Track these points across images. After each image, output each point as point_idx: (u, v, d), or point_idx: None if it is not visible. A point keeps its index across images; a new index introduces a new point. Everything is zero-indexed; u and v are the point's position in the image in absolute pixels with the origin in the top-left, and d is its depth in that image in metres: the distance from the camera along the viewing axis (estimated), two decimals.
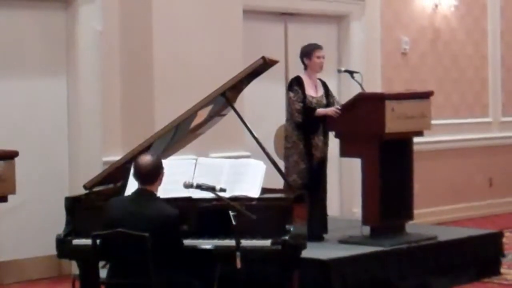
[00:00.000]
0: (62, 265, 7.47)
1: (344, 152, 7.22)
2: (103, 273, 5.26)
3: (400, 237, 7.11)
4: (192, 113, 5.89)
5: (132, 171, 5.25)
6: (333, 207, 7.57)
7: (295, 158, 7.17)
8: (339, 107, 7.13)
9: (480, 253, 7.45)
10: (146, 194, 5.13)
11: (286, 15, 9.19)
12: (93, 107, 7.62)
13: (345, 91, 8.78)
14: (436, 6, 10.37)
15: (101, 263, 5.32)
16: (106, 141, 7.62)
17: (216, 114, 6.22)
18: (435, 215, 10.07)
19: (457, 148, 10.60)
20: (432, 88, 8.43)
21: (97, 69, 7.63)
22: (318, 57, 7.27)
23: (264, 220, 5.32)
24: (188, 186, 5.27)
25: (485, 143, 10.96)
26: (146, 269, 4.89)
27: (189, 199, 5.51)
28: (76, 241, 5.57)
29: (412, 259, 6.92)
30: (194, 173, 5.61)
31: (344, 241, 7.05)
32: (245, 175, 5.61)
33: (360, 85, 7.33)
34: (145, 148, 5.78)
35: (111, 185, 5.94)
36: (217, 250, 5.37)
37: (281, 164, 6.77)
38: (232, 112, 6.01)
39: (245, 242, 5.14)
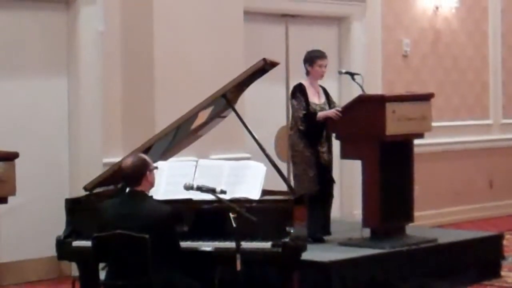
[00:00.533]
0: (62, 266, 7.46)
1: (345, 154, 7.21)
2: (103, 275, 5.26)
3: (400, 239, 7.10)
4: (192, 115, 5.89)
5: None
6: (333, 209, 7.56)
7: (304, 166, 7.17)
8: (340, 109, 7.13)
9: (481, 255, 7.45)
10: (136, 195, 5.15)
11: (287, 17, 9.18)
12: (94, 108, 7.62)
13: (345, 93, 8.77)
14: (437, 8, 10.36)
15: (101, 265, 5.32)
16: (106, 142, 7.61)
17: (217, 115, 6.22)
18: (435, 217, 10.06)
19: (457, 150, 10.59)
20: (433, 90, 8.44)
21: (98, 69, 7.63)
22: (320, 66, 7.28)
23: (264, 222, 5.31)
24: (188, 187, 5.27)
25: (485, 145, 10.95)
26: (146, 270, 4.89)
27: (189, 201, 5.51)
28: (76, 243, 5.57)
29: (412, 261, 6.92)
30: (194, 175, 5.61)
31: (344, 243, 7.05)
32: (246, 177, 5.61)
33: (361, 87, 7.33)
34: (146, 150, 5.78)
35: (111, 187, 5.94)
36: (217, 252, 5.38)
37: (282, 166, 6.76)
38: (232, 113, 6.01)
39: (245, 244, 5.13)
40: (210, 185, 5.27)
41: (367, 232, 7.10)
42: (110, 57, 7.67)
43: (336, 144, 7.33)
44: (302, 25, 9.27)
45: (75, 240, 5.59)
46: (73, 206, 5.75)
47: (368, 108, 7.00)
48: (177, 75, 7.70)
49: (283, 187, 5.99)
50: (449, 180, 10.45)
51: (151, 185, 5.27)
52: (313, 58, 7.30)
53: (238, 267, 4.95)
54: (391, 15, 9.96)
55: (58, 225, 5.82)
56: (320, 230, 7.15)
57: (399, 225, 7.24)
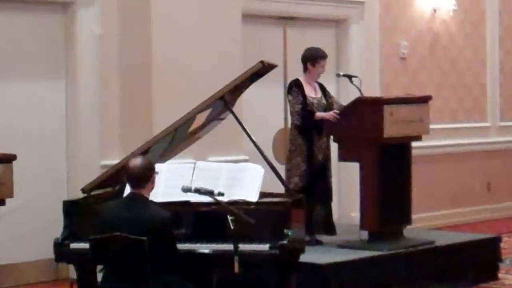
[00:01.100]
0: (60, 269, 7.45)
1: (343, 156, 7.22)
2: (100, 277, 5.25)
3: (398, 241, 7.11)
4: (190, 117, 5.88)
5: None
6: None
7: (298, 160, 7.19)
8: (338, 112, 7.14)
9: (478, 258, 7.45)
10: (138, 199, 5.11)
11: (285, 19, 9.19)
12: (92, 110, 7.61)
13: (343, 96, 8.76)
14: (435, 10, 10.37)
15: (98, 267, 5.31)
16: (104, 145, 7.61)
17: (215, 118, 6.22)
18: (433, 220, 10.07)
19: (455, 153, 10.60)
20: (431, 92, 8.44)
21: (96, 72, 7.62)
22: (322, 66, 7.32)
23: (262, 225, 5.31)
24: (186, 190, 5.27)
25: (483, 148, 10.96)
26: (143, 273, 4.89)
27: (187, 203, 5.51)
28: (73, 245, 5.57)
29: (410, 263, 6.92)
30: (192, 177, 5.61)
31: (342, 246, 7.05)
32: (244, 179, 5.61)
33: (359, 89, 7.34)
34: (144, 152, 5.77)
35: (109, 189, 5.93)
36: (215, 254, 5.37)
37: (280, 168, 6.77)
38: (230, 116, 6.01)
39: (243, 247, 5.12)
40: (208, 187, 5.26)
41: (365, 234, 7.11)
42: (108, 59, 7.67)
43: (334, 146, 7.33)
44: (300, 28, 9.27)
45: (73, 242, 5.58)
46: (71, 208, 5.74)
47: (366, 111, 7.01)
48: (175, 77, 7.70)
49: (281, 189, 5.98)
50: (447, 182, 10.46)
51: (152, 189, 5.26)
52: (316, 58, 7.31)
53: (236, 269, 4.94)
54: (389, 17, 9.96)
55: (56, 227, 5.81)
56: (321, 228, 7.15)
57: (397, 227, 7.24)
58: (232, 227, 4.98)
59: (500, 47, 11.17)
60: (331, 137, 7.31)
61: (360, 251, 6.83)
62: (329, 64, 7.82)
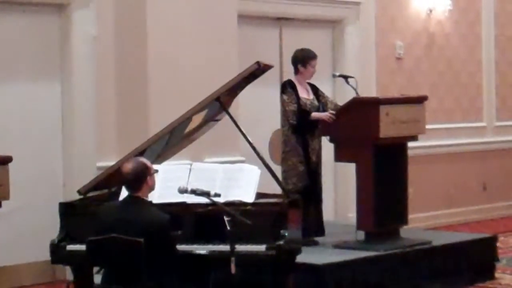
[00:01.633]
0: (56, 270, 7.45)
1: (339, 156, 7.22)
2: (97, 279, 5.25)
3: (394, 242, 7.11)
4: (186, 118, 5.88)
5: None
6: (328, 212, 7.58)
7: (294, 161, 7.18)
8: (334, 112, 7.15)
9: (475, 257, 7.46)
10: (135, 201, 5.10)
11: (281, 20, 9.19)
12: (87, 112, 7.61)
13: (339, 96, 8.76)
14: (431, 11, 10.38)
15: (95, 269, 5.31)
16: (100, 146, 7.60)
17: (211, 119, 6.22)
18: (429, 220, 10.07)
19: (451, 153, 10.61)
20: (427, 92, 8.45)
21: (91, 74, 7.62)
22: (313, 67, 7.31)
23: (258, 225, 5.31)
24: (182, 191, 5.26)
25: (479, 148, 10.97)
26: (140, 275, 4.88)
27: (183, 204, 5.51)
28: (70, 247, 5.56)
29: (406, 263, 6.93)
30: (188, 178, 5.61)
31: (338, 246, 7.06)
32: (240, 180, 5.61)
33: (355, 89, 7.34)
34: (140, 153, 5.77)
35: (105, 190, 5.93)
36: (211, 255, 5.37)
37: (276, 169, 6.77)
38: (226, 117, 6.01)
39: (239, 247, 5.14)
40: (205, 188, 5.26)
41: (361, 235, 7.11)
42: (104, 61, 7.66)
43: (330, 147, 7.33)
44: (296, 28, 9.28)
45: (69, 244, 5.57)
46: (67, 210, 5.74)
47: (362, 111, 7.01)
48: (171, 78, 7.70)
49: (278, 190, 5.99)
50: (443, 182, 10.47)
51: (151, 189, 5.24)
52: (306, 59, 7.31)
53: (233, 270, 4.94)
54: (384, 18, 9.97)
55: (52, 229, 5.81)
56: (313, 230, 7.15)
57: (393, 227, 7.25)
58: (228, 228, 4.98)
59: (495, 47, 11.18)
60: (323, 138, 7.31)
61: (356, 251, 6.84)
62: (325, 64, 7.85)
